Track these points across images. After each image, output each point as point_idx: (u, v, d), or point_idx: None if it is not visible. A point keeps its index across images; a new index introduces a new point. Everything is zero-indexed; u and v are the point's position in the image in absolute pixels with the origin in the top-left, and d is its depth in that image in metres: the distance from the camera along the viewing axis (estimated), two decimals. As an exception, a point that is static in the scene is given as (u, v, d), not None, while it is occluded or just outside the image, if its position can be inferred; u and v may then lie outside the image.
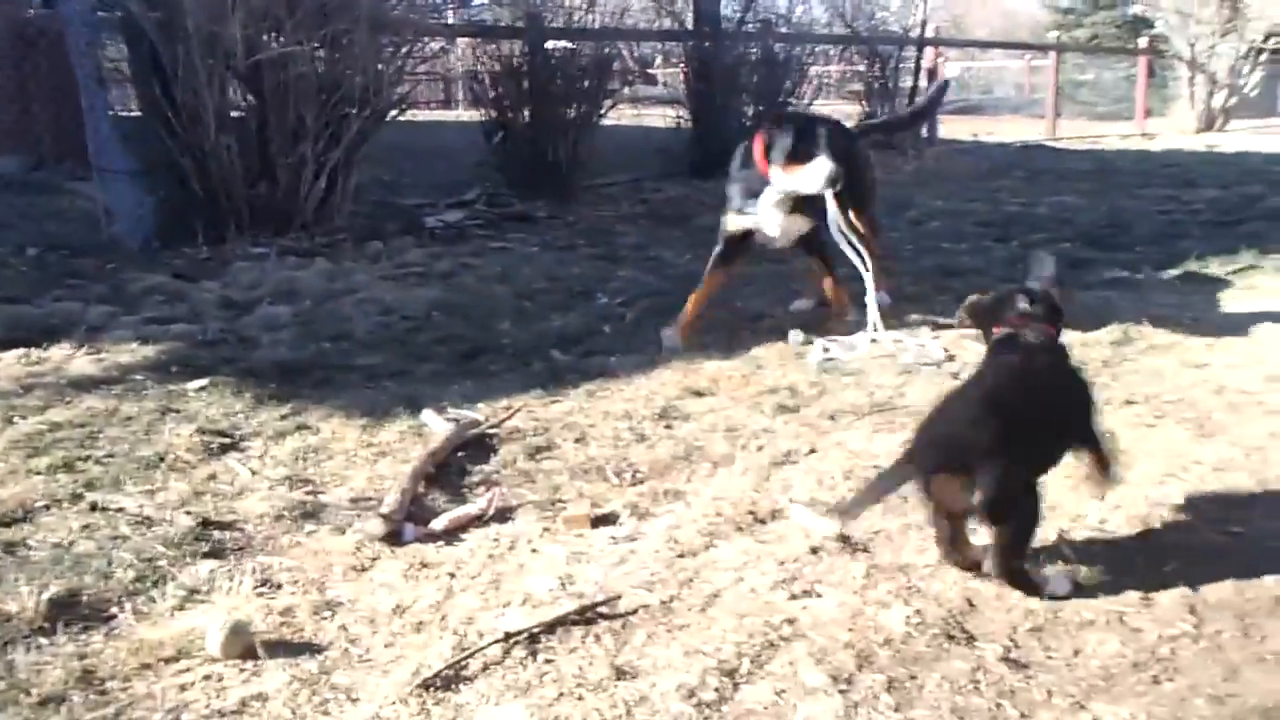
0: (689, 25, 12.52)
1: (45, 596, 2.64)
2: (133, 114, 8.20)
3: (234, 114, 7.79)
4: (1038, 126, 21.42)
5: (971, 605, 2.60)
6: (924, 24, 17.23)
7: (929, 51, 17.01)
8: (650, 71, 17.92)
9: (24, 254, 7.00)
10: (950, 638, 2.46)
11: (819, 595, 2.66)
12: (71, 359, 4.78)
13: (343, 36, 8.05)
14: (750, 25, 12.70)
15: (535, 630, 2.48)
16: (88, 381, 4.49)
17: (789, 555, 2.87)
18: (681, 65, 12.94)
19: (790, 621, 2.51)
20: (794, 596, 2.64)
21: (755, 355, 4.91)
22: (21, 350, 4.84)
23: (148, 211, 7.48)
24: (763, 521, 3.11)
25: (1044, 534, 2.87)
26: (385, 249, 7.41)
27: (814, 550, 2.89)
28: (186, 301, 5.90)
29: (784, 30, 13.37)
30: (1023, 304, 2.80)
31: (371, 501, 3.25)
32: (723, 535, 3.01)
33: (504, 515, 3.17)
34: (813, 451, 3.69)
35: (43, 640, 2.50)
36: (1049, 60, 22.48)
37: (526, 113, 10.30)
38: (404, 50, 9.11)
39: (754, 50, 12.33)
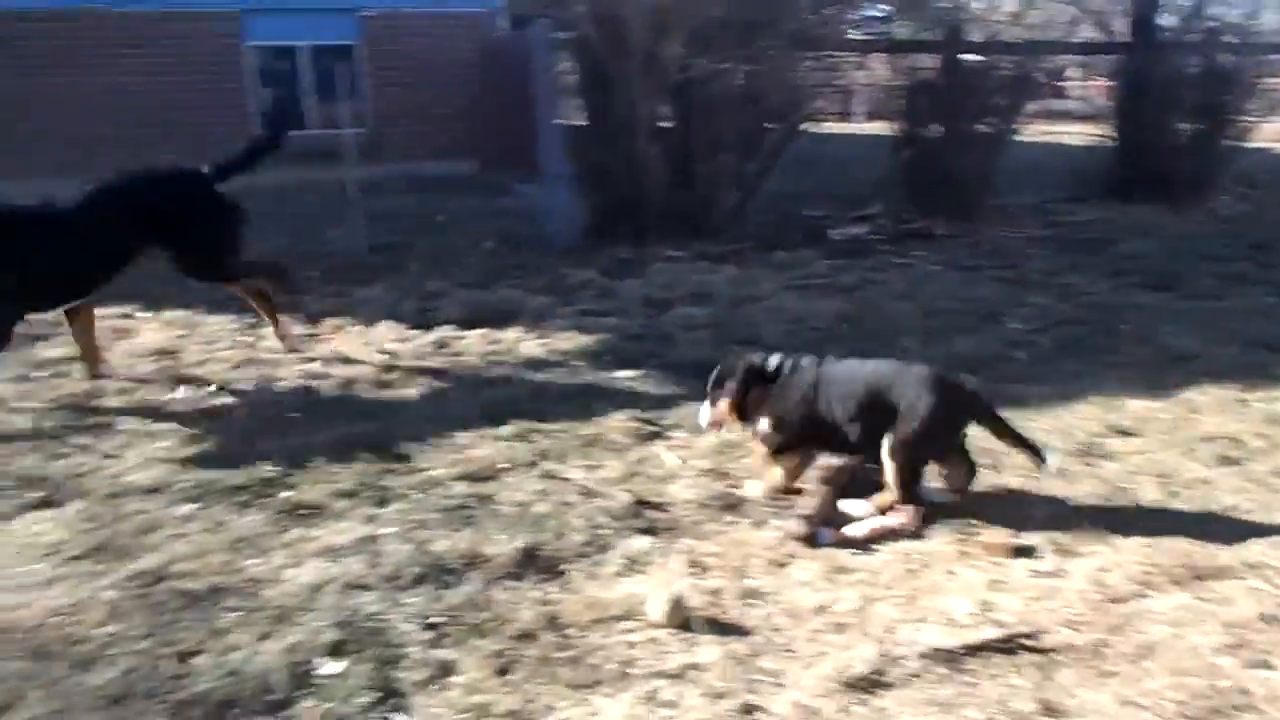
0: (1119, 37, 11.65)
1: (515, 546, 3.06)
2: (572, 124, 9.10)
3: (661, 126, 8.40)
4: None
5: None
6: None
7: None
8: (1060, 84, 16.89)
9: (479, 247, 8.02)
10: None
11: (1274, 667, 2.45)
12: (522, 341, 5.44)
13: (766, 53, 8.41)
14: (1193, 35, 11.58)
15: (958, 650, 2.51)
16: (535, 362, 5.09)
17: (1236, 618, 2.66)
18: (1103, 78, 12.09)
19: (1242, 691, 2.34)
20: (1244, 665, 2.46)
21: (1187, 398, 4.54)
22: (483, 330, 5.59)
23: (580, 213, 8.26)
24: (1202, 578, 2.90)
25: None
26: (790, 258, 7.64)
27: (1266, 617, 2.66)
28: (613, 297, 6.47)
29: (1232, 39, 12.04)
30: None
31: (788, 501, 3.41)
32: (1156, 586, 2.85)
33: (919, 532, 3.20)
34: (1260, 510, 3.37)
35: (514, 584, 2.91)
36: None
37: (935, 127, 10.13)
38: (821, 65, 9.35)
39: (1194, 62, 11.24)
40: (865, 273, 7.36)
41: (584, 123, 8.66)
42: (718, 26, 8.07)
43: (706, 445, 3.96)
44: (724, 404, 3.56)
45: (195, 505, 3.43)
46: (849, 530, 3.19)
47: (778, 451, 3.51)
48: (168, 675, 2.47)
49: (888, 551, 3.11)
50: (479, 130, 13.17)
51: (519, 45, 10.83)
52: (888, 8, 12.54)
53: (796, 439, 3.48)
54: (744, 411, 3.54)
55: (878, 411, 3.29)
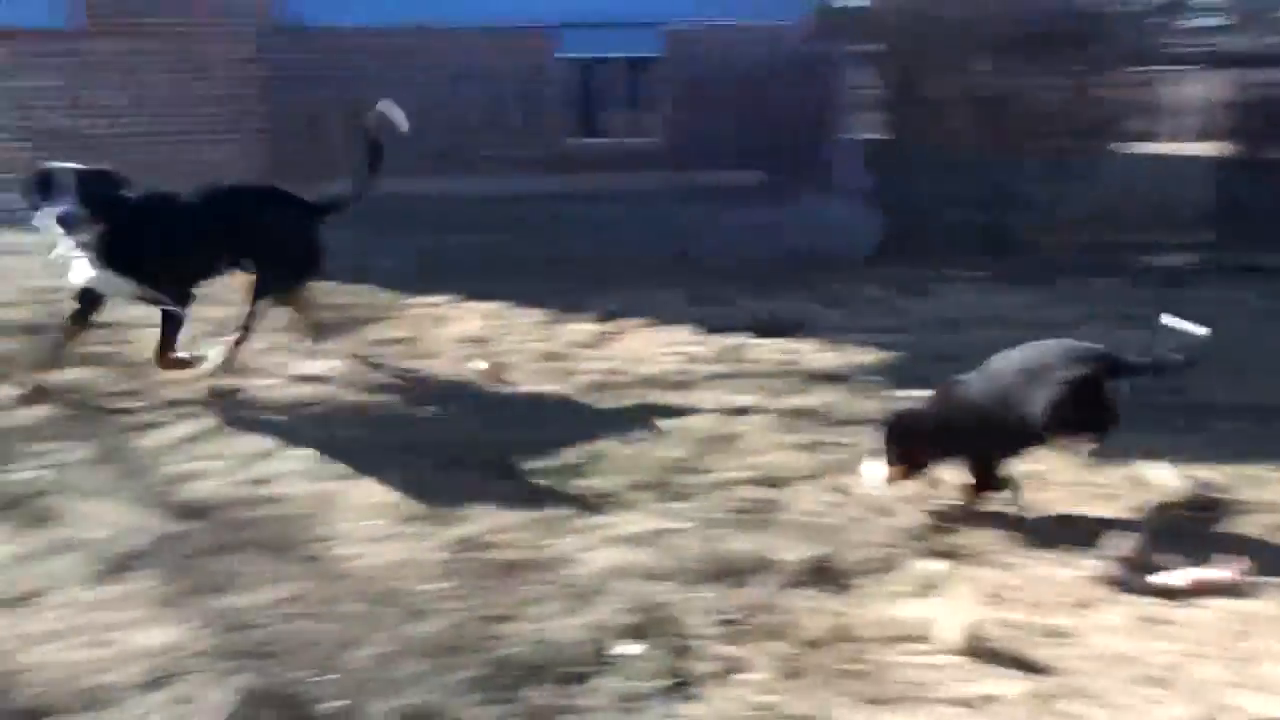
0: None
1: (806, 555, 3.09)
2: (868, 138, 9.01)
3: (964, 143, 8.14)
4: None
5: None
6: None
7: None
8: None
9: (769, 256, 8.10)
10: None
11: None
12: (811, 353, 5.45)
13: (1079, 68, 7.98)
14: None
15: (1294, 723, 2.28)
16: (824, 375, 5.09)
17: None
18: None
19: None
20: None
21: None
22: (773, 340, 5.65)
23: (871, 228, 8.16)
24: None
25: None
26: (1096, 286, 7.19)
27: None
28: (904, 315, 6.36)
29: None
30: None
31: (1095, 542, 3.22)
32: None
33: (1246, 590, 2.93)
34: None
35: (803, 591, 2.93)
36: None
37: (1277, 150, 9.20)
38: (1139, 81, 8.75)
39: None
40: (1181, 305, 6.77)
41: (881, 136, 8.55)
42: (1030, 40, 7.74)
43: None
44: (895, 467, 3.46)
45: (505, 482, 3.70)
46: (1167, 579, 2.97)
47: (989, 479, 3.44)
48: (483, 635, 2.68)
49: (1208, 606, 2.87)
50: (772, 142, 13.29)
51: (817, 58, 10.85)
52: (1220, 18, 11.54)
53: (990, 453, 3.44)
54: (918, 462, 3.46)
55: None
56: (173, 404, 4.71)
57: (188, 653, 2.62)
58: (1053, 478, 3.78)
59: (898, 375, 5.09)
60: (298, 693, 2.44)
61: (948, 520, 3.40)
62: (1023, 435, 3.37)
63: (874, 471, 3.48)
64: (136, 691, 2.47)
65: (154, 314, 4.82)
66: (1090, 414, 3.31)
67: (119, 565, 3.10)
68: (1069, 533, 3.32)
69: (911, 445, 3.45)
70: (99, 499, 3.61)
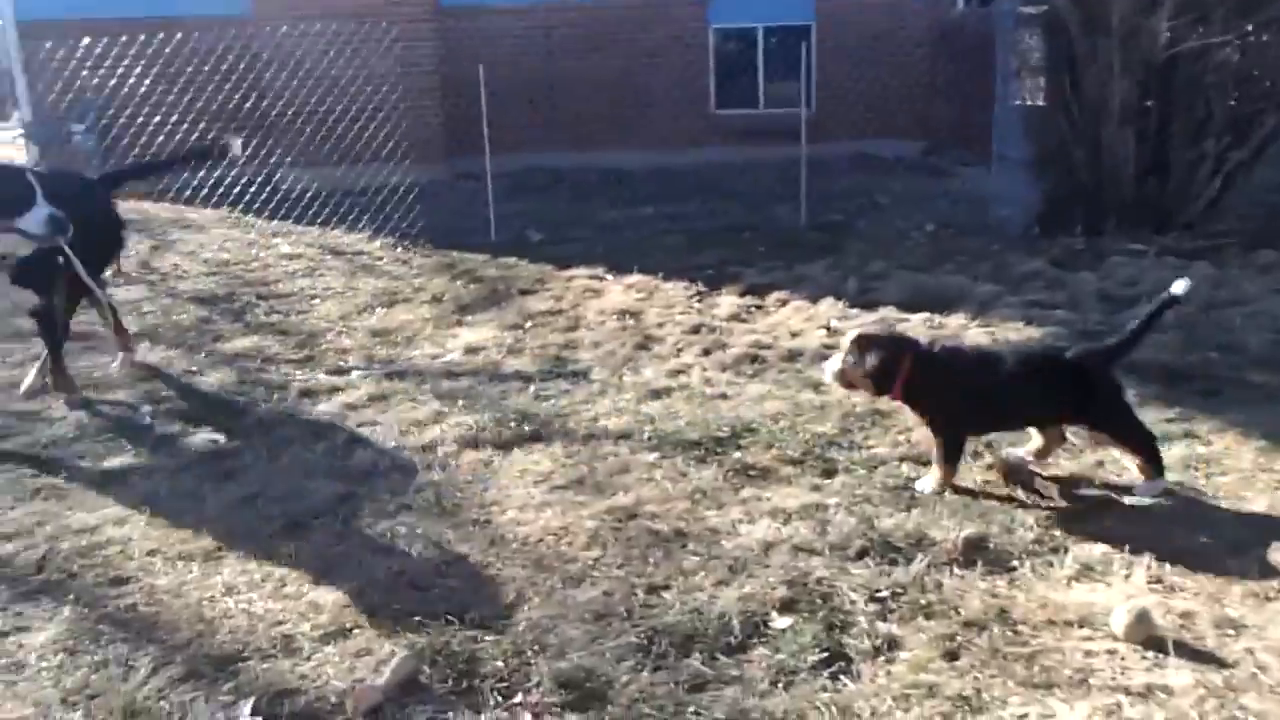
0: None
1: (962, 535, 3.03)
2: (1031, 105, 8.64)
3: (1133, 108, 7.71)
4: None
5: None
6: None
7: None
8: None
9: (922, 229, 7.90)
10: None
11: None
12: (965, 329, 5.30)
13: (1272, 25, 7.43)
14: None
15: None
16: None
17: None
18: None
19: None
20: None
21: None
22: (925, 314, 5.52)
23: (1033, 199, 7.84)
24: None
25: None
26: (1274, 259, 6.72)
27: None
28: (1064, 289, 6.09)
29: None
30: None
31: (1272, 532, 3.05)
32: None
33: None
34: None
35: (961, 571, 2.88)
36: None
37: None
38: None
39: None
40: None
41: (1044, 103, 8.19)
42: (1206, -2, 7.24)
43: (1171, 458, 3.62)
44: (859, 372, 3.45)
45: (658, 454, 3.75)
46: (1357, 573, 2.79)
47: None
48: (639, 603, 2.74)
49: (1404, 602, 2.68)
50: (928, 110, 12.95)
51: (978, 22, 10.46)
52: None
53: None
54: (885, 385, 3.44)
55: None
56: (340, 371, 4.96)
57: (360, 608, 2.77)
58: (1227, 463, 3.59)
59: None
60: (465, 651, 2.55)
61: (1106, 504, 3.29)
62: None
63: (832, 363, 3.54)
64: (315, 643, 2.63)
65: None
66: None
67: (294, 524, 3.31)
68: (1242, 520, 3.16)
69: (880, 364, 3.41)
70: (273, 460, 3.84)
